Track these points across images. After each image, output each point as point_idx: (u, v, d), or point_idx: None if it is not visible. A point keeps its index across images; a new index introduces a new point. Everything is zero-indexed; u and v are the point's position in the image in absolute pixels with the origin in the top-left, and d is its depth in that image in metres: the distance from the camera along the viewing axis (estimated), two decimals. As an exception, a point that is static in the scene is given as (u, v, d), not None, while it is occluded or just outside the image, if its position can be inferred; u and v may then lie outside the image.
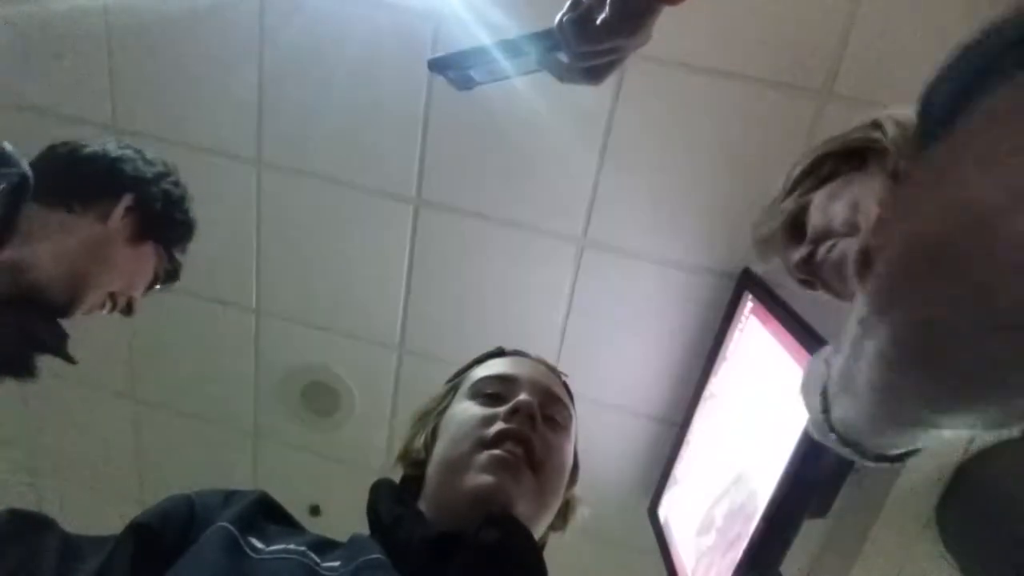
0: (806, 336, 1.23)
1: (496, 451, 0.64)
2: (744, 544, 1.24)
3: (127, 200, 1.01)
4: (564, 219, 1.64)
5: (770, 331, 1.38)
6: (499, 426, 0.66)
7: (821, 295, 0.90)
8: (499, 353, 0.82)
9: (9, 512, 0.54)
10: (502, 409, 0.68)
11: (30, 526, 0.54)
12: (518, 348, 0.85)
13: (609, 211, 1.61)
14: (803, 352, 1.22)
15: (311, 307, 1.89)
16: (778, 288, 1.48)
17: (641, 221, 1.60)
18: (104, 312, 1.07)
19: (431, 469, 0.70)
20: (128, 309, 1.10)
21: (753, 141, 1.48)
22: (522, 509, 0.63)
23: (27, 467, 2.29)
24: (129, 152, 1.06)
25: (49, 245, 0.93)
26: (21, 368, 0.96)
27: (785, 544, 1.19)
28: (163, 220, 1.07)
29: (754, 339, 1.45)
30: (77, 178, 0.99)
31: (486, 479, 0.62)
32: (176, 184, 1.10)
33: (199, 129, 1.75)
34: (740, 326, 1.51)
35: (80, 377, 2.08)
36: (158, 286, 1.14)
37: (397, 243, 1.75)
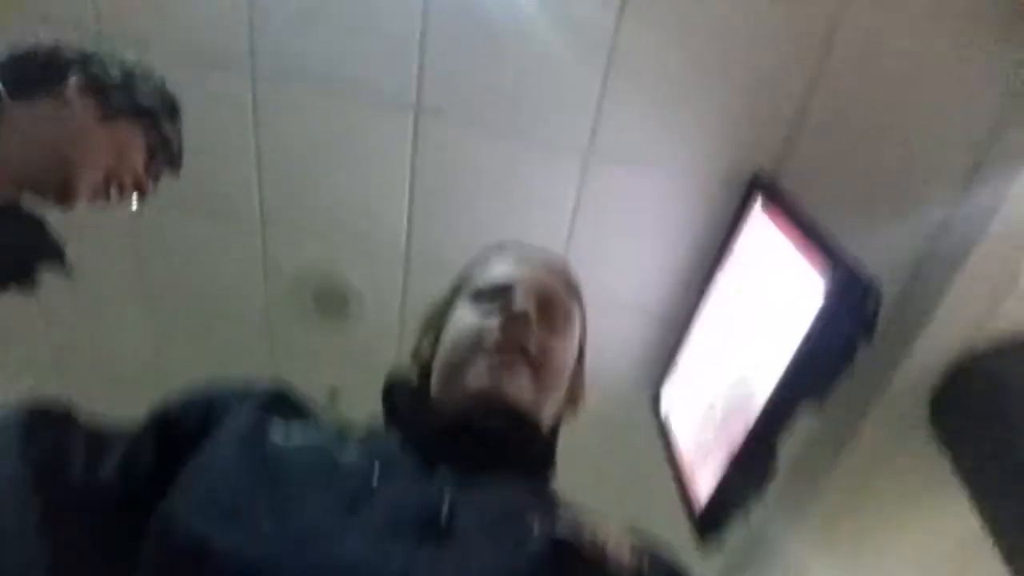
0: (814, 237, 1.24)
1: (492, 356, 0.65)
2: (742, 435, 1.30)
3: (77, 78, 1.00)
4: (570, 127, 1.59)
5: (780, 232, 1.38)
6: (495, 332, 0.67)
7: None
8: (501, 250, 0.81)
9: (33, 404, 0.55)
10: (499, 315, 0.68)
11: (55, 417, 0.55)
12: (522, 245, 0.83)
13: (616, 119, 1.56)
14: (813, 257, 1.23)
15: (316, 215, 1.88)
16: (792, 185, 1.46)
17: (648, 128, 1.56)
18: (113, 199, 1.07)
19: (434, 372, 0.72)
20: (139, 190, 1.09)
21: (763, 46, 1.42)
22: (521, 407, 0.65)
23: (54, 376, 2.38)
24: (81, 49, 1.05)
25: (15, 135, 0.95)
26: (23, 278, 0.98)
27: (781, 436, 1.25)
28: (125, 92, 1.05)
29: (762, 240, 1.45)
30: (23, 69, 0.99)
31: (484, 380, 0.64)
32: (132, 63, 1.08)
33: (190, 39, 1.68)
34: (748, 228, 1.51)
35: (95, 290, 2.12)
36: (162, 168, 1.12)
37: (399, 151, 1.72)
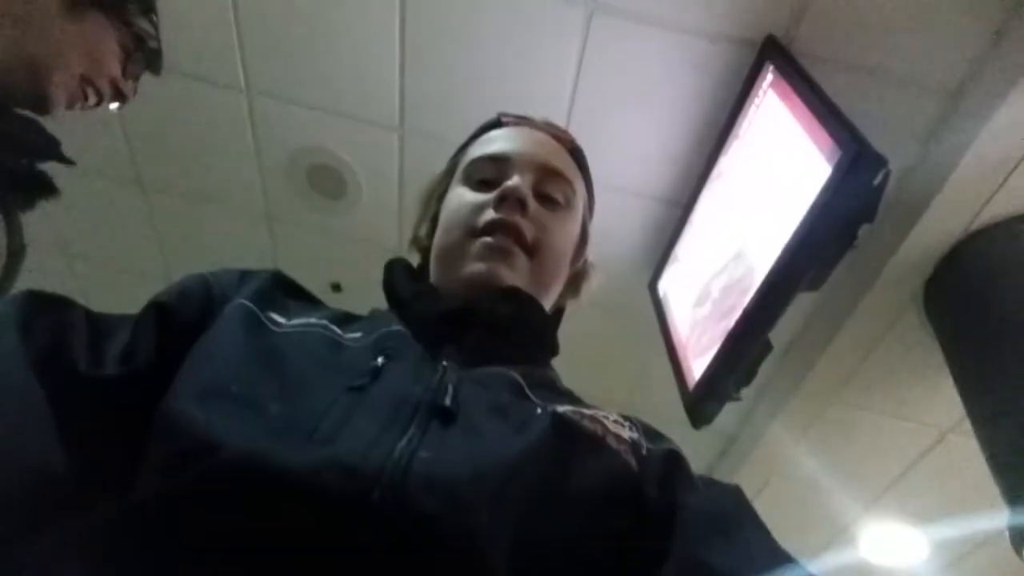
0: (827, 113, 1.18)
1: (486, 239, 0.63)
2: (737, 314, 1.32)
3: None
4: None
5: (788, 106, 1.32)
6: (488, 215, 0.64)
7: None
8: (497, 124, 0.76)
9: (29, 292, 0.53)
10: (492, 195, 0.66)
11: (54, 304, 0.54)
12: (522, 116, 0.78)
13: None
14: (822, 131, 1.18)
15: (303, 86, 1.79)
16: (803, 59, 1.39)
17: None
18: (92, 103, 1.02)
19: (431, 258, 0.70)
20: (118, 95, 1.04)
21: None
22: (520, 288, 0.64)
23: (49, 254, 2.38)
24: None
25: None
26: (37, 183, 0.95)
27: (776, 314, 1.26)
28: None
29: (770, 115, 1.39)
30: None
31: (479, 267, 0.63)
32: None
33: None
34: (757, 102, 1.45)
35: (85, 170, 2.06)
36: (142, 69, 1.07)
37: (386, 8, 1.60)
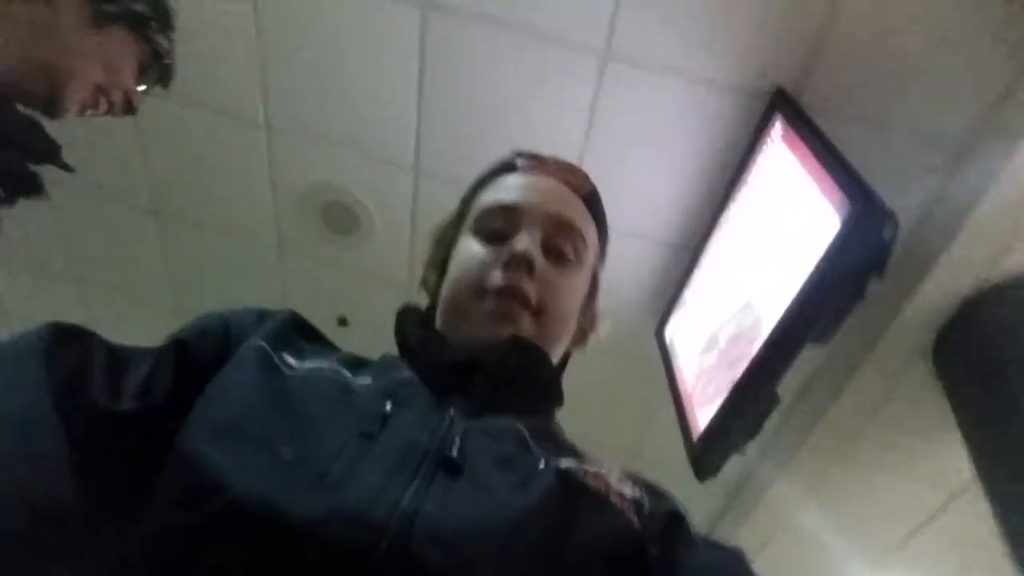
0: (836, 165, 1.19)
1: (491, 305, 0.63)
2: (744, 365, 1.31)
3: None
4: (587, 28, 1.51)
5: (797, 156, 1.33)
6: (495, 277, 0.64)
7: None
8: (511, 168, 0.75)
9: (52, 325, 0.54)
10: (500, 254, 0.65)
11: (75, 337, 0.55)
12: (537, 156, 0.77)
13: (635, 21, 1.48)
14: (831, 183, 1.19)
15: (322, 124, 1.83)
16: (812, 111, 1.41)
17: (669, 33, 1.48)
18: (102, 111, 1.04)
19: (439, 304, 0.70)
20: (128, 107, 1.07)
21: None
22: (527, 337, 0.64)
23: (63, 283, 2.40)
24: None
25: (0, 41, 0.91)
26: (25, 182, 0.96)
27: (783, 367, 1.25)
28: None
29: (779, 165, 1.41)
30: None
31: (484, 331, 0.63)
32: None
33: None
34: (766, 151, 1.46)
35: (104, 195, 2.10)
36: (153, 83, 1.10)
37: (406, 52, 1.64)
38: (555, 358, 0.69)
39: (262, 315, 0.64)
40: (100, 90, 1.02)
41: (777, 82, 1.47)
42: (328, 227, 2.04)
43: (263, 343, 0.58)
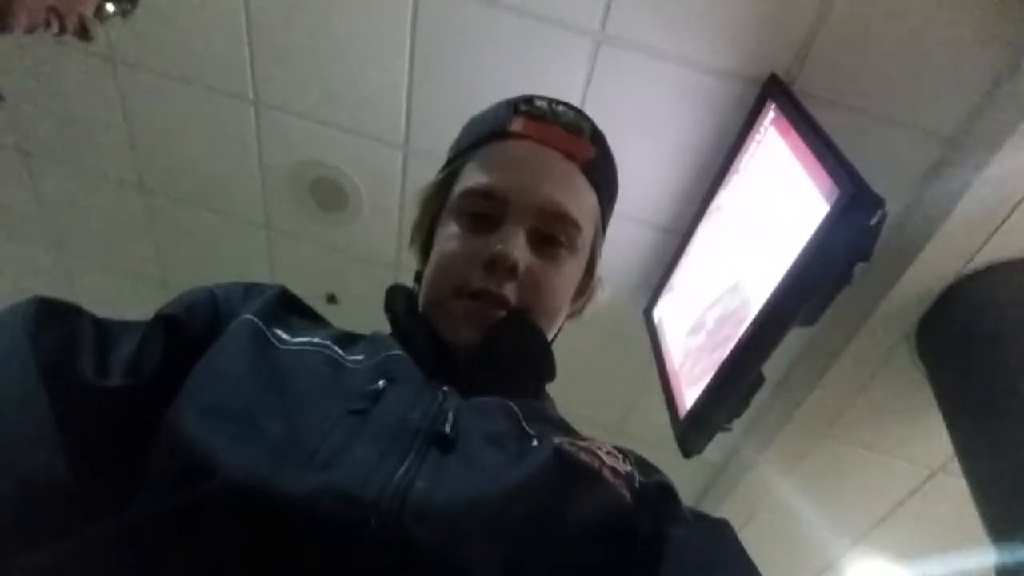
0: (827, 153, 1.20)
1: (471, 304, 0.61)
2: (730, 346, 1.33)
3: None
4: (580, 9, 1.51)
5: (789, 144, 1.34)
6: (477, 277, 0.61)
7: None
8: (504, 133, 0.68)
9: (38, 298, 0.53)
10: (481, 254, 0.61)
11: (62, 310, 0.54)
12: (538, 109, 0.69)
13: (631, 4, 1.48)
14: (821, 170, 1.20)
15: (311, 100, 1.81)
16: (804, 98, 1.41)
17: (664, 16, 1.47)
18: (53, 32, 0.97)
19: (421, 291, 0.67)
20: (83, 32, 1.00)
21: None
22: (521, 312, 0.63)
23: (49, 254, 2.38)
24: None
25: None
26: None
27: (769, 347, 1.27)
28: None
29: (770, 152, 1.41)
30: None
31: (466, 331, 0.61)
32: None
33: None
34: (758, 138, 1.47)
35: (87, 166, 2.08)
36: (113, 12, 1.03)
37: (397, 29, 1.63)
38: (550, 334, 0.68)
39: (251, 289, 0.63)
40: (53, 10, 0.95)
41: (770, 69, 1.47)
42: (317, 204, 2.02)
43: (254, 318, 0.57)
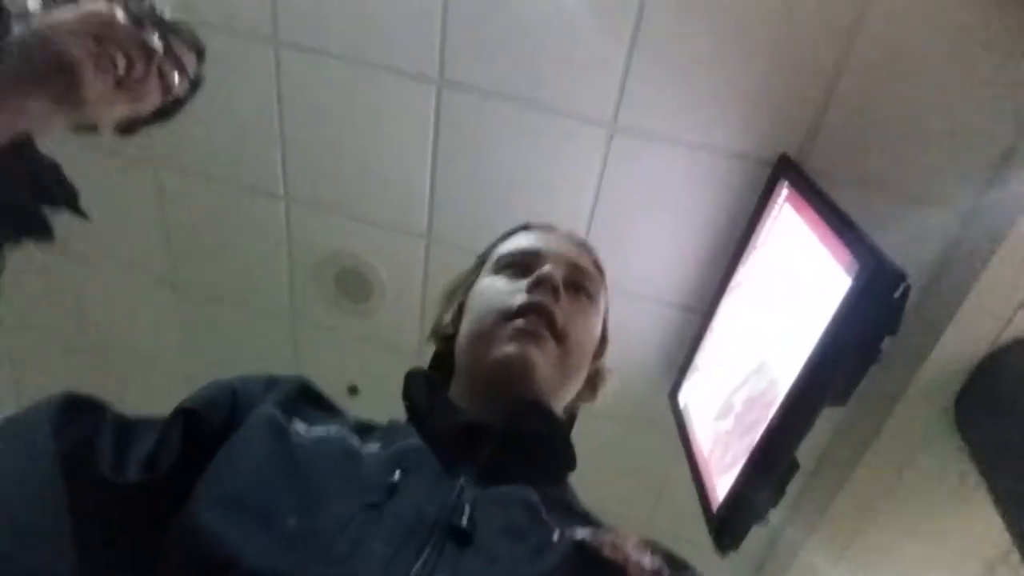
0: (843, 227, 1.20)
1: (519, 322, 0.64)
2: (761, 429, 1.28)
3: None
4: (594, 102, 1.57)
5: (804, 219, 1.35)
6: (522, 297, 0.66)
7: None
8: (526, 227, 0.81)
9: (65, 395, 0.55)
10: (525, 281, 0.68)
11: (86, 408, 0.55)
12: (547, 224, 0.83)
13: (640, 94, 1.54)
14: (839, 245, 1.20)
15: (339, 195, 1.88)
16: (817, 176, 1.44)
17: (674, 105, 1.53)
18: (120, 70, 0.90)
19: (459, 344, 0.71)
20: (145, 50, 0.93)
21: (792, 22, 1.38)
22: (545, 378, 0.64)
23: (78, 350, 2.43)
24: None
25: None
26: (35, 224, 0.93)
27: (802, 430, 1.22)
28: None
29: (787, 227, 1.42)
30: None
31: (509, 348, 0.63)
32: None
33: (212, 6, 1.69)
34: (773, 214, 1.48)
35: (122, 262, 2.16)
36: (151, 31, 0.95)
37: (421, 126, 1.71)
38: (566, 398, 0.70)
39: (271, 381, 0.64)
40: (100, 38, 0.89)
41: (781, 149, 1.50)
42: (342, 294, 2.06)
43: (273, 409, 0.58)
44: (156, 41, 0.95)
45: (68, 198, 0.97)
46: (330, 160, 1.83)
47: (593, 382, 0.76)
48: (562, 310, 0.67)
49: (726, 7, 1.41)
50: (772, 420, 1.26)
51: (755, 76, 1.46)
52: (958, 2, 1.30)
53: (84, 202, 1.00)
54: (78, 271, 2.21)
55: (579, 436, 0.74)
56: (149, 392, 2.44)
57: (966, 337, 1.48)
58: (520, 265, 0.71)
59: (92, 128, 0.97)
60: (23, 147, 0.91)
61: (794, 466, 1.29)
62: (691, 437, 1.66)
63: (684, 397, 1.80)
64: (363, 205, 1.88)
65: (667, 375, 1.89)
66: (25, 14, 0.89)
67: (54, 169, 0.97)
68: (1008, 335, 1.46)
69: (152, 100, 0.99)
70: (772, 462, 1.27)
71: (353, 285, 2.03)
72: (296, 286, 2.09)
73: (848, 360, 1.15)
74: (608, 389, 0.78)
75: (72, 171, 0.98)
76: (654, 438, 1.95)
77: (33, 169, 0.94)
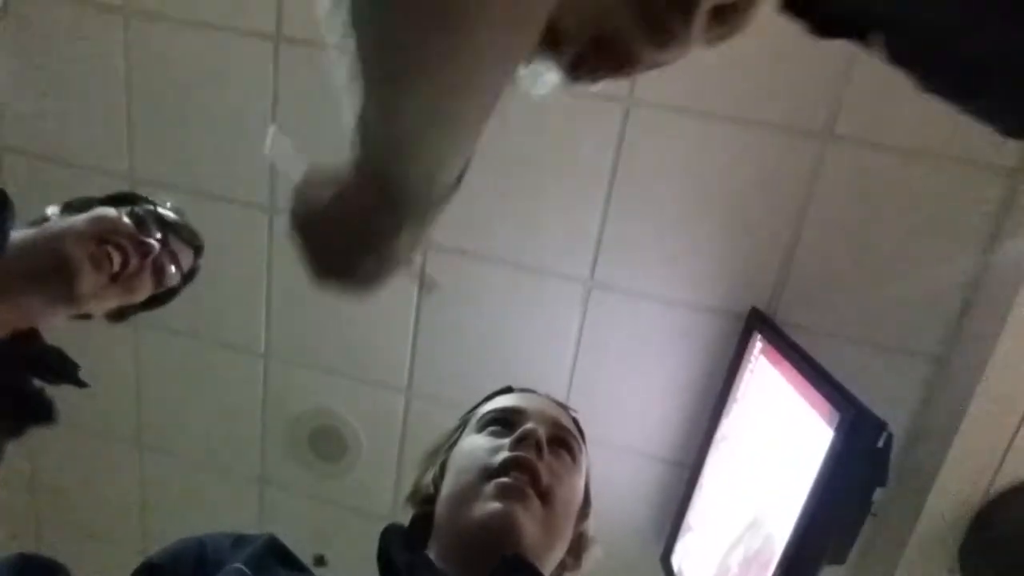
0: (819, 378, 1.22)
1: (503, 479, 0.64)
2: (761, 592, 1.20)
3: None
4: (571, 261, 1.65)
5: (780, 372, 1.37)
6: (505, 454, 0.66)
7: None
8: (508, 390, 0.83)
9: (20, 556, 0.54)
10: (509, 439, 0.68)
11: (41, 568, 0.55)
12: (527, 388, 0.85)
13: (616, 252, 1.62)
14: (814, 392, 1.21)
15: (318, 351, 1.89)
16: (788, 328, 1.48)
17: (648, 262, 1.61)
18: (115, 266, 0.97)
19: (440, 505, 0.69)
20: (143, 250, 1.01)
21: (756, 183, 1.50)
22: (530, 538, 0.62)
23: (32, 513, 2.27)
24: None
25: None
26: (41, 409, 0.95)
27: (803, 591, 1.15)
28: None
29: (764, 380, 1.43)
30: None
31: (494, 506, 0.62)
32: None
33: (213, 182, 1.79)
34: (750, 367, 1.50)
35: (88, 424, 2.08)
36: (153, 228, 1.04)
37: (403, 286, 1.76)
38: (550, 565, 0.67)
39: (239, 539, 0.63)
40: (102, 239, 0.97)
41: (751, 303, 1.56)
42: (314, 454, 1.99)
43: (242, 566, 0.57)
44: (154, 239, 1.04)
45: (71, 373, 1.00)
46: (313, 318, 1.85)
47: (576, 549, 0.73)
48: (547, 467, 0.66)
49: (693, 169, 1.53)
50: (771, 582, 1.18)
51: (721, 233, 1.55)
52: (913, 156, 1.40)
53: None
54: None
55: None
56: (109, 554, 2.25)
57: (957, 489, 1.45)
58: (503, 422, 0.72)
59: (86, 316, 1.04)
60: (27, 335, 0.96)
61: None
62: (687, 605, 1.54)
63: (678, 559, 1.69)
64: (343, 363, 1.88)
65: (658, 536, 1.79)
66: (44, 219, 1.01)
67: (59, 352, 1.00)
68: (997, 487, 1.43)
69: (144, 292, 1.06)
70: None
71: (327, 443, 1.97)
72: (268, 447, 2.02)
73: (841, 515, 1.11)
74: (593, 556, 0.76)
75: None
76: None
77: (42, 354, 0.97)
